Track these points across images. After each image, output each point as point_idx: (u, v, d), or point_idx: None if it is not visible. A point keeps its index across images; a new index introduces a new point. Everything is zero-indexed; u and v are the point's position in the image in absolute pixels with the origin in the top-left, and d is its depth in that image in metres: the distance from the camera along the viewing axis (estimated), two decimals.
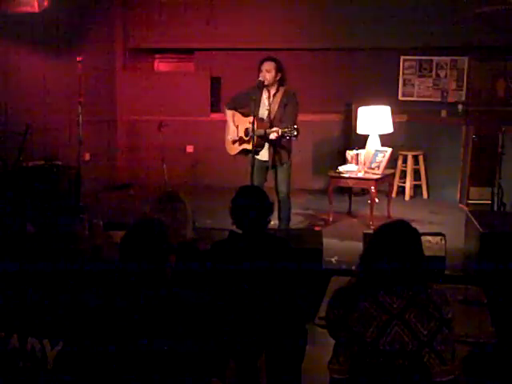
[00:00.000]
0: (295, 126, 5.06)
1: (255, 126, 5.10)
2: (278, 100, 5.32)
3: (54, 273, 2.26)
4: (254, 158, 5.22)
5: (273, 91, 5.34)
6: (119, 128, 8.74)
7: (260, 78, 5.23)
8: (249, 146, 5.31)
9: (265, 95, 5.33)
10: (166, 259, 2.27)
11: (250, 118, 5.20)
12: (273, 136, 5.16)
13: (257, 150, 5.28)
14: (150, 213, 3.15)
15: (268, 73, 5.25)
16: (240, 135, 5.53)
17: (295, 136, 5.09)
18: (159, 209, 3.12)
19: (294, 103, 5.33)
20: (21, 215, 5.15)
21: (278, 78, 5.32)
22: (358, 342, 2.26)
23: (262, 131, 5.24)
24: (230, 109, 5.60)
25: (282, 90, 5.34)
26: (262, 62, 5.30)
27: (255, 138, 5.15)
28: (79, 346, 2.09)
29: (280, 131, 5.11)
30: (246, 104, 5.43)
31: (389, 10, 7.65)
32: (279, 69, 5.30)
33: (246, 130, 5.43)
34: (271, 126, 5.27)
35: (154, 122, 7.28)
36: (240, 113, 5.57)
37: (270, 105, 5.35)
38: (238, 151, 5.59)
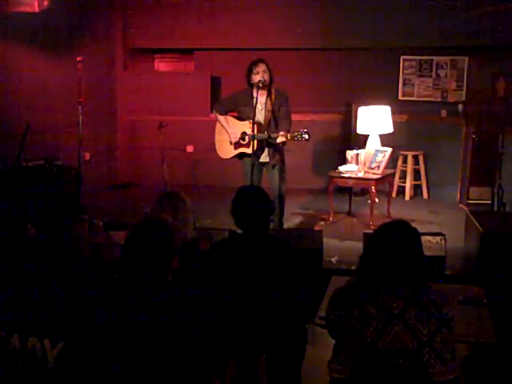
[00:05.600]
0: (305, 130, 5.18)
1: (255, 130, 5.17)
2: (273, 101, 5.38)
3: (54, 273, 2.26)
4: (254, 159, 5.29)
5: (265, 92, 5.37)
6: (119, 128, 8.75)
7: (260, 79, 5.26)
8: (248, 150, 5.40)
9: (258, 97, 5.32)
10: (169, 260, 2.26)
11: (247, 122, 5.35)
12: (280, 140, 5.24)
13: (257, 152, 5.34)
14: (151, 212, 3.14)
15: (265, 74, 5.30)
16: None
17: (307, 140, 5.19)
18: (160, 208, 3.11)
19: (287, 103, 5.44)
20: (21, 215, 5.15)
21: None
22: (358, 342, 2.27)
23: (263, 135, 5.29)
24: (221, 114, 5.63)
25: (273, 90, 5.41)
26: (255, 65, 5.33)
27: (256, 141, 5.21)
28: (79, 346, 2.09)
29: (289, 136, 5.20)
30: (235, 108, 5.55)
31: (389, 9, 7.66)
32: (269, 69, 5.36)
33: (243, 133, 5.47)
34: (268, 128, 5.35)
35: (154, 121, 7.27)
36: (233, 117, 5.61)
37: (265, 107, 5.39)
38: (233, 155, 5.64)
